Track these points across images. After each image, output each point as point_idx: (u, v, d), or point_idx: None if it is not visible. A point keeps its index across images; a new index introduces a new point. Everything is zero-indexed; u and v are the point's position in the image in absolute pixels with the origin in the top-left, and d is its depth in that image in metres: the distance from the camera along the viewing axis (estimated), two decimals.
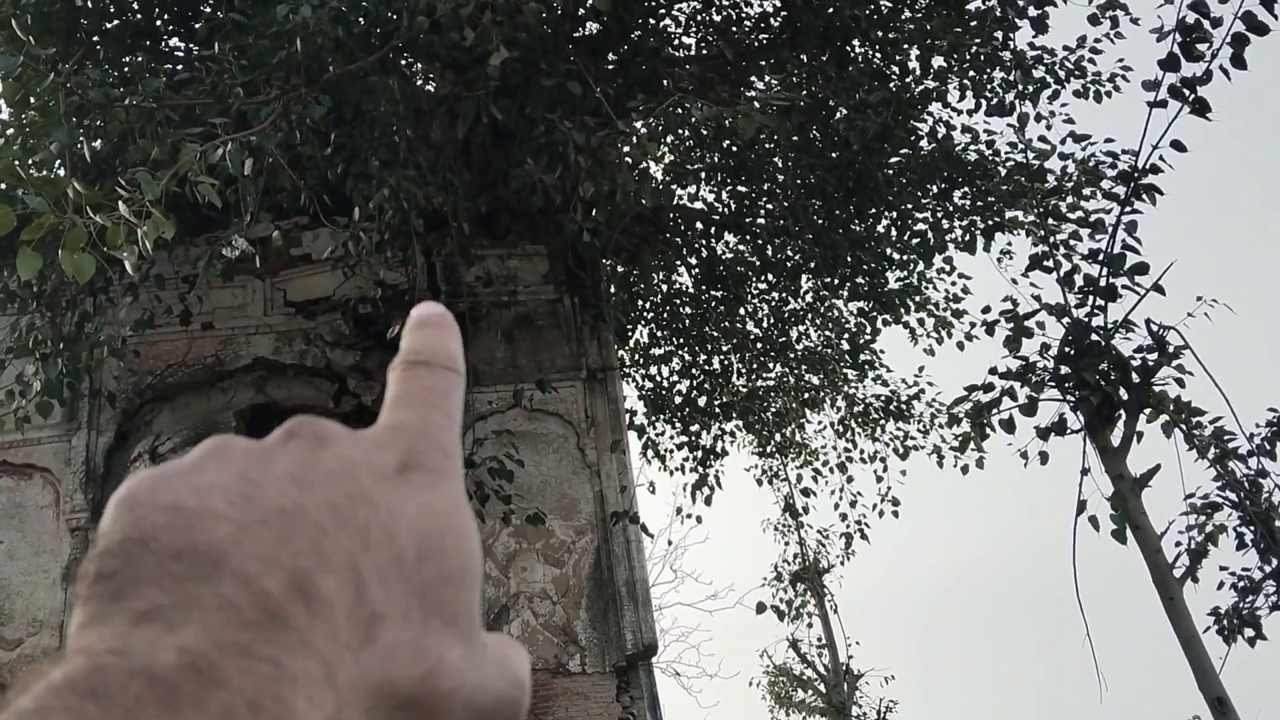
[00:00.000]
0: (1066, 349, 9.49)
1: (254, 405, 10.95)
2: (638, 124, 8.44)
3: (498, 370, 11.43)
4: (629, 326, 15.26)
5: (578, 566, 10.62)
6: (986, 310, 9.72)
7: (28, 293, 9.40)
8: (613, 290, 12.75)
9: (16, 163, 6.27)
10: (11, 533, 10.27)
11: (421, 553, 0.37)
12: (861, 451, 15.46)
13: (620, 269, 13.72)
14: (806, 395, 15.82)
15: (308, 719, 0.31)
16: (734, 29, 11.71)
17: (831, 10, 10.24)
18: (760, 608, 13.93)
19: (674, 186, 9.66)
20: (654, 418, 15.43)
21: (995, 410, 9.48)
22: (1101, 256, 9.57)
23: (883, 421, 15.33)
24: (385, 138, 8.95)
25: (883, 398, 15.43)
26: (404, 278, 11.11)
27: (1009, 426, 9.20)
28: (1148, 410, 9.04)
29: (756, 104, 7.47)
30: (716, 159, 13.19)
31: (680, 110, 8.82)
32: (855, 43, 10.89)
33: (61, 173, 7.78)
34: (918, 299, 14.30)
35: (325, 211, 8.93)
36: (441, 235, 10.07)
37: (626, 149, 8.79)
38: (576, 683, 10.06)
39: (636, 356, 15.75)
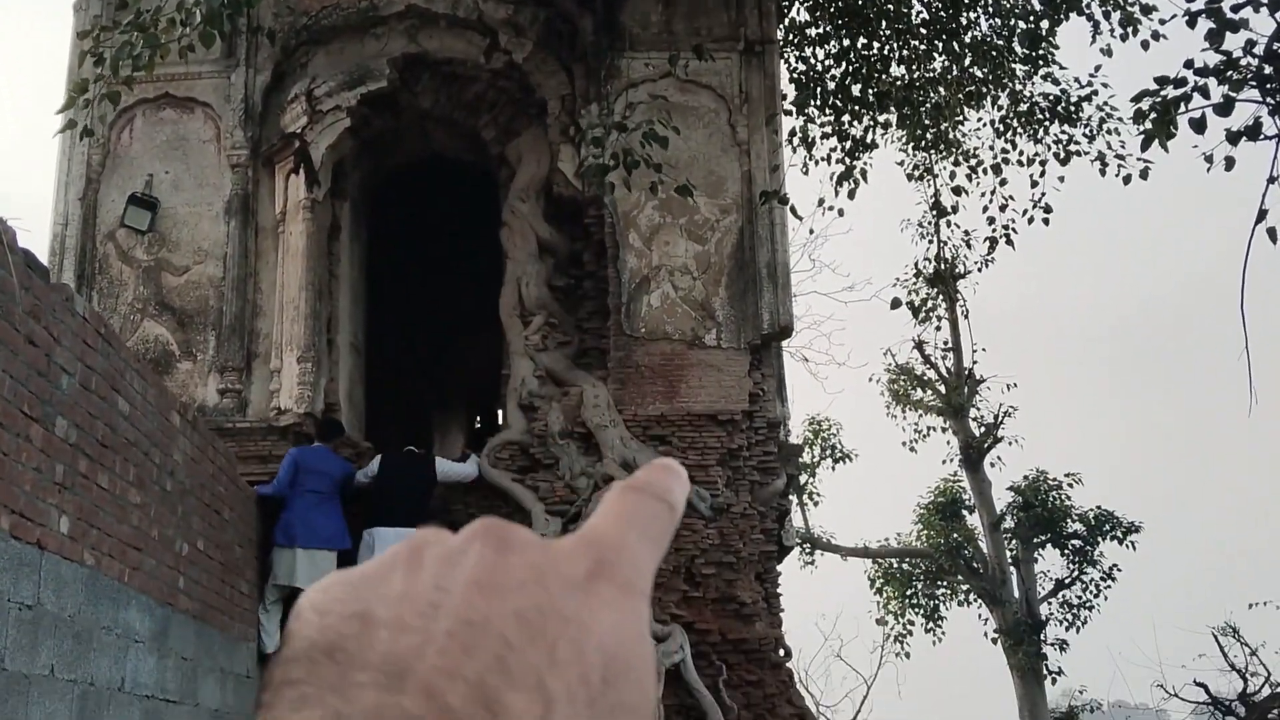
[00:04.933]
0: (1276, 46, 8.66)
1: (406, 54, 10.78)
2: None
3: (652, 35, 11.01)
4: (785, 2, 14.40)
5: (720, 244, 10.57)
6: None
7: None
8: None
9: None
10: (176, 164, 10.59)
11: (607, 677, 0.36)
12: (1020, 153, 14.75)
13: None
14: (969, 89, 14.95)
15: None
16: None
17: None
18: (895, 303, 13.85)
19: None
20: (804, 103, 14.84)
21: (1182, 108, 8.83)
22: None
23: (1047, 122, 14.48)
24: None
25: (1050, 97, 14.50)
26: None
27: (1199, 126, 8.57)
28: None
29: None
30: None
31: None
32: None
33: None
34: None
35: None
36: None
37: None
38: (711, 355, 10.25)
39: (790, 35, 14.97)
